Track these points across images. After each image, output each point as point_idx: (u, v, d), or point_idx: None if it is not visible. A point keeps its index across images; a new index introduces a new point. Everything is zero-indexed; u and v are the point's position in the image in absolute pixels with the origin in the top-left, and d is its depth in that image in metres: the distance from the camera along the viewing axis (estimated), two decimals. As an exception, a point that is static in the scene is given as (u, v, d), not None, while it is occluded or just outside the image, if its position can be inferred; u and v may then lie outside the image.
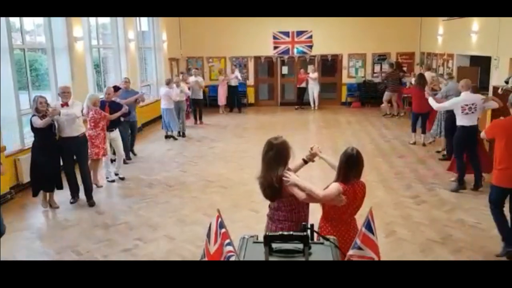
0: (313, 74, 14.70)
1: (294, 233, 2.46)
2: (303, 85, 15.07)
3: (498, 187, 4.70)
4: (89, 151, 6.97)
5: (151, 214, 6.24)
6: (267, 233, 2.94)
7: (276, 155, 3.28)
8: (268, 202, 3.52)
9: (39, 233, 5.72)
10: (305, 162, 3.69)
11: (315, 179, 6.23)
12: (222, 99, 14.76)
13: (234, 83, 14.76)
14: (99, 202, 6.74)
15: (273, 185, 3.27)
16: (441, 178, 7.34)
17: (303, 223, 3.08)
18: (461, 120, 6.70)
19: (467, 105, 6.61)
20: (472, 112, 6.63)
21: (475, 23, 10.41)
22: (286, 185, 3.23)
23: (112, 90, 8.07)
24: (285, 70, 16.24)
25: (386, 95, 13.34)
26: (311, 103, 15.15)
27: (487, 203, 4.95)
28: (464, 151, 6.80)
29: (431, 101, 7.49)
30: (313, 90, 15.00)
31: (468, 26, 10.64)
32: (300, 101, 15.31)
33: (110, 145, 7.71)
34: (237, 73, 14.80)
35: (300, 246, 2.37)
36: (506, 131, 4.65)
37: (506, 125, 4.73)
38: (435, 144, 9.49)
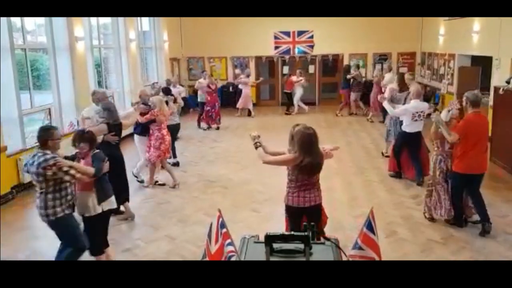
0: (299, 77, 13.95)
1: (295, 233, 2.46)
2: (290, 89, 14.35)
3: (459, 174, 5.27)
4: (157, 152, 7.04)
5: (152, 214, 6.25)
6: (293, 205, 3.97)
7: (315, 140, 3.94)
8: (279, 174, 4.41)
9: (40, 233, 5.72)
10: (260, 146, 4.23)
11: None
12: (246, 101, 13.79)
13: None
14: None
15: (320, 163, 3.97)
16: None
17: (304, 223, 3.08)
18: (408, 126, 7.04)
19: (417, 112, 6.92)
20: (421, 119, 7.02)
21: (477, 23, 10.41)
22: (332, 152, 4.21)
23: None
24: (286, 70, 16.21)
25: (354, 95, 13.58)
26: (296, 107, 14.28)
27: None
28: (403, 154, 7.31)
29: (386, 105, 7.40)
30: (297, 94, 14.19)
31: (469, 26, 10.63)
32: (290, 103, 14.44)
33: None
34: (247, 72, 14.12)
35: (301, 246, 2.37)
36: (477, 129, 5.17)
37: (478, 123, 5.21)
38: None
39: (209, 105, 11.92)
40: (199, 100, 12.25)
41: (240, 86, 13.81)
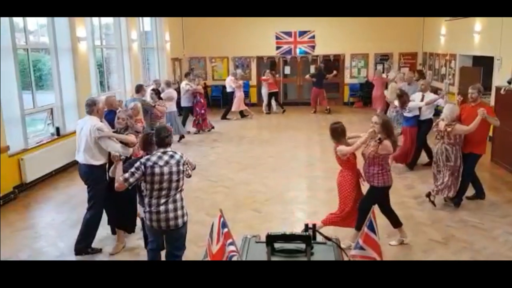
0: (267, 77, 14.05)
1: (297, 233, 2.47)
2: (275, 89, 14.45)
3: (479, 155, 6.12)
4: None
5: (153, 214, 6.24)
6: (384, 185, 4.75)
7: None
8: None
9: (41, 233, 5.74)
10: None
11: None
12: (240, 104, 13.46)
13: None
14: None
15: None
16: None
17: (305, 223, 3.09)
18: (430, 114, 7.86)
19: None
20: None
21: (478, 23, 10.39)
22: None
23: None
24: (287, 70, 16.24)
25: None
26: (274, 107, 14.54)
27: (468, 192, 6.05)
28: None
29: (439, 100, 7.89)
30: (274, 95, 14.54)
31: (470, 26, 10.62)
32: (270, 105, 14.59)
33: None
34: (238, 73, 14.00)
35: (302, 246, 2.38)
36: None
37: None
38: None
39: (204, 108, 11.61)
40: (186, 104, 11.45)
41: (229, 89, 13.55)
